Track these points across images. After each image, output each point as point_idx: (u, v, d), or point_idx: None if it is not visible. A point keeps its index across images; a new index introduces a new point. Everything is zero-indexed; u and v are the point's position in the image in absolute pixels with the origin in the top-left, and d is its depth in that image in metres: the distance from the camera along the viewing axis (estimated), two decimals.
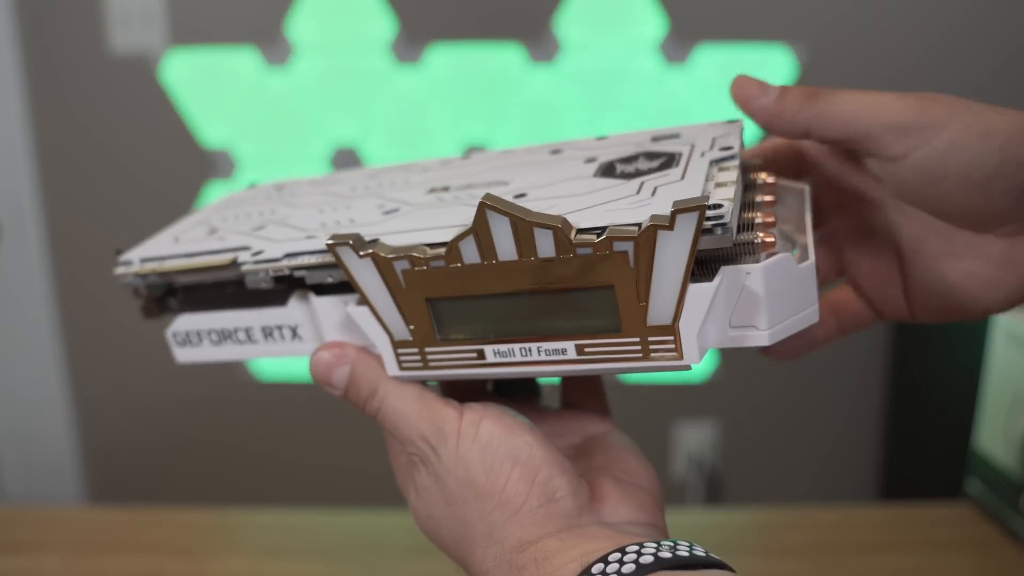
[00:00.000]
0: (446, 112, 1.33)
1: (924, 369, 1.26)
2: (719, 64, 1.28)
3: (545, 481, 0.28)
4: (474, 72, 1.31)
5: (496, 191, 0.31)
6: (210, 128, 1.35)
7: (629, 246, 0.25)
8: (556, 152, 0.37)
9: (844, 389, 1.42)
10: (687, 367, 0.27)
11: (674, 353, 0.27)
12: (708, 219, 0.25)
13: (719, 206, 0.25)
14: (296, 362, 1.42)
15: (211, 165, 1.36)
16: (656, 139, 0.35)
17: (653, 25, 1.28)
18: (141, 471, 1.51)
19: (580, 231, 0.26)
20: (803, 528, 0.72)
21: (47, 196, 1.39)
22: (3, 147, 1.36)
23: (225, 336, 0.35)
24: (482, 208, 0.26)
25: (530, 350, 0.29)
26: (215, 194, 1.37)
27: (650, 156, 0.32)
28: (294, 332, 0.34)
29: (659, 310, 0.26)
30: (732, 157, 0.30)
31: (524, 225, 0.26)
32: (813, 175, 0.36)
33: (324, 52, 1.32)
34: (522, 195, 0.31)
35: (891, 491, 1.40)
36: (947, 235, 0.30)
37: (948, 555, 0.67)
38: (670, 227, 0.24)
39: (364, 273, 0.29)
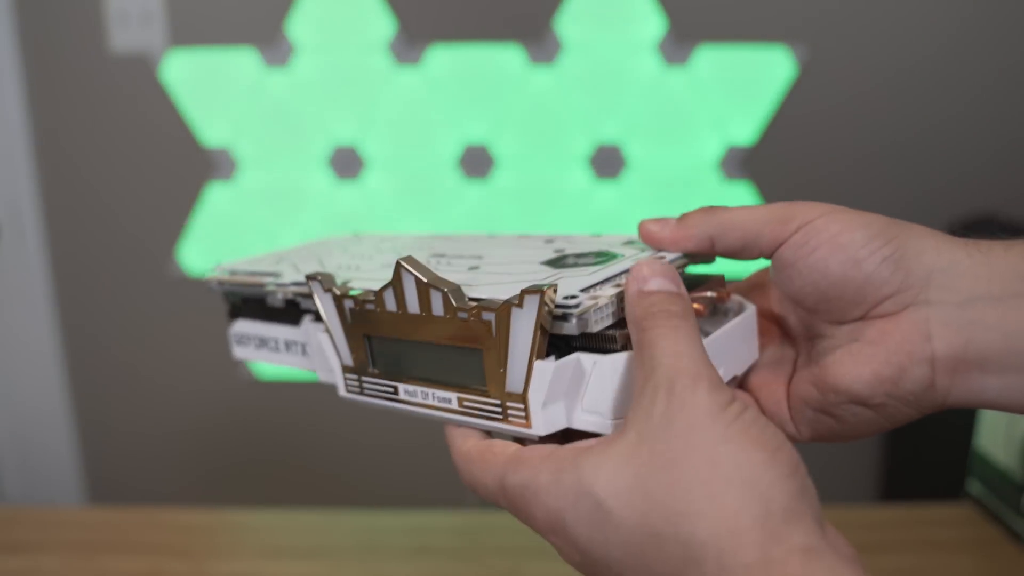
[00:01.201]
0: (446, 112, 1.33)
1: None
2: (719, 64, 1.28)
3: (804, 477, 0.26)
4: (474, 72, 1.31)
5: (467, 262, 0.37)
6: (210, 128, 1.35)
7: (492, 316, 0.29)
8: (549, 242, 0.41)
9: None
10: (535, 437, 0.30)
11: (524, 420, 0.30)
12: (561, 307, 0.29)
13: (573, 297, 0.29)
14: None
15: (211, 165, 1.36)
16: (626, 243, 0.38)
17: (653, 25, 1.28)
18: (141, 472, 1.51)
19: (471, 298, 0.30)
20: None
21: (47, 196, 1.39)
22: (3, 147, 1.36)
23: (263, 343, 0.41)
24: (398, 266, 0.31)
25: (427, 394, 0.33)
26: (215, 194, 1.37)
27: (600, 254, 0.36)
28: (303, 349, 0.39)
29: (514, 379, 0.30)
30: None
31: (423, 284, 0.31)
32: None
33: (324, 52, 1.32)
34: (475, 267, 0.36)
35: (891, 491, 1.40)
36: (831, 332, 0.33)
37: (949, 556, 0.67)
38: (519, 305, 0.28)
39: (327, 306, 0.34)
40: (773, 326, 0.38)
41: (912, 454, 1.32)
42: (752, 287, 0.39)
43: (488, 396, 0.31)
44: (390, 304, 0.32)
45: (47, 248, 1.41)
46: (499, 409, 0.31)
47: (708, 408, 0.25)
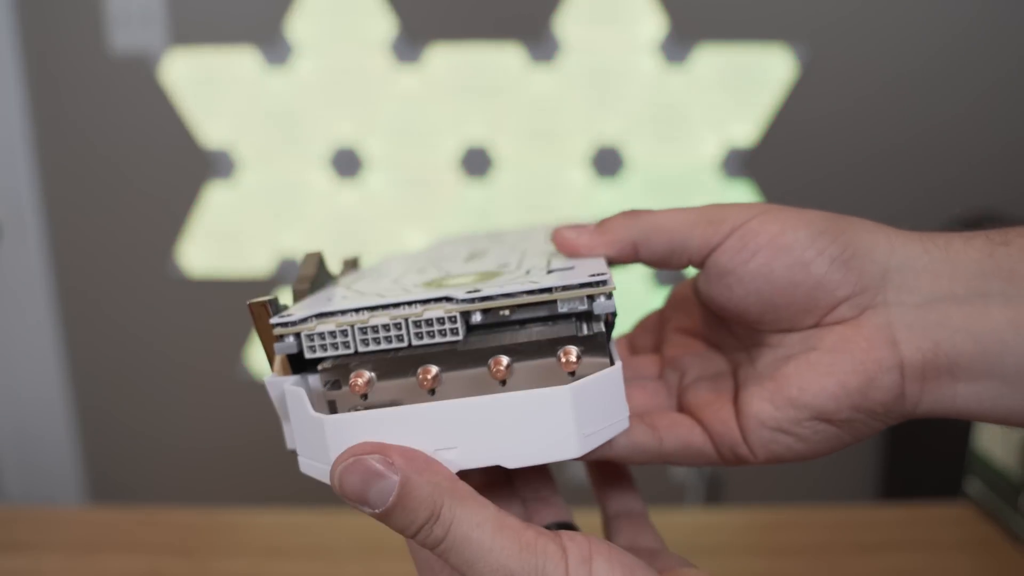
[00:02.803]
0: (446, 112, 1.33)
1: None
2: (719, 64, 1.28)
3: None
4: (474, 72, 1.31)
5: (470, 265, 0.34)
6: (210, 128, 1.35)
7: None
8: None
9: None
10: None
11: None
12: (276, 324, 0.27)
13: (287, 315, 0.27)
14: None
15: (211, 165, 1.36)
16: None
17: (653, 25, 1.28)
18: (141, 471, 1.51)
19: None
20: (803, 528, 0.72)
21: (47, 196, 1.39)
22: (3, 147, 1.36)
23: None
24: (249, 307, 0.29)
25: None
26: (215, 194, 1.37)
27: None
28: None
29: None
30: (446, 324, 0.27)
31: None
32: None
33: (324, 52, 1.32)
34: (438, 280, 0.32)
35: (891, 491, 1.40)
36: (779, 341, 0.30)
37: (948, 555, 0.67)
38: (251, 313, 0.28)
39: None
40: (697, 340, 0.35)
41: (911, 454, 1.32)
42: (676, 305, 0.36)
43: None
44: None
45: (48, 248, 1.41)
46: None
47: None
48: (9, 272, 1.41)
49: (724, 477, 1.45)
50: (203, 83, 1.33)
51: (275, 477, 1.49)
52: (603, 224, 0.31)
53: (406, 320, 0.26)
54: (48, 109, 1.35)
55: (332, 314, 0.27)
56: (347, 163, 1.35)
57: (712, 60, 1.28)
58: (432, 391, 0.26)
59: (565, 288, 0.26)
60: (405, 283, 0.32)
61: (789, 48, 1.27)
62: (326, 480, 0.26)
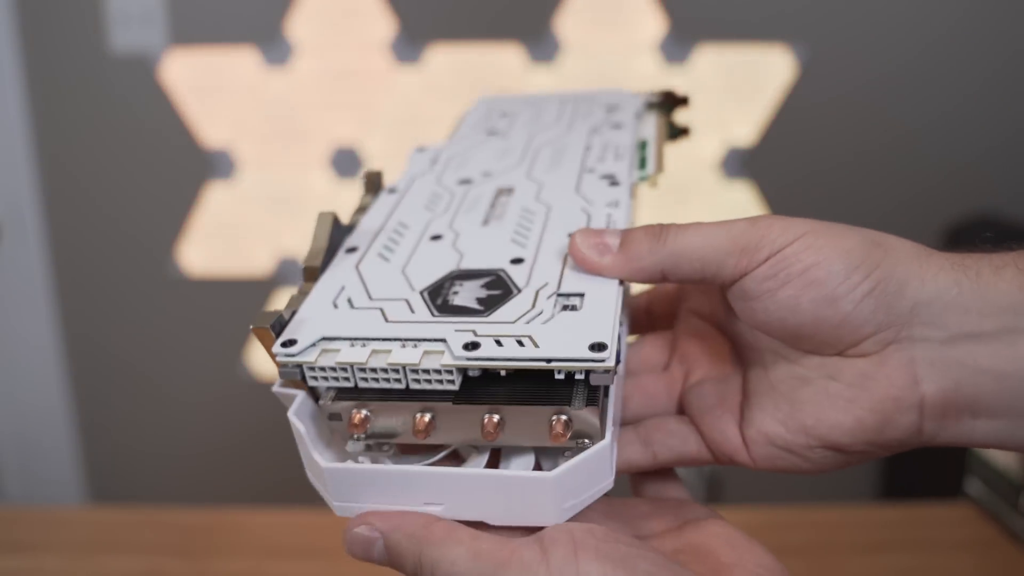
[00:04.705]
0: (446, 112, 1.33)
1: None
2: (719, 64, 1.28)
3: None
4: (474, 72, 1.31)
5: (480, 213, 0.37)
6: (210, 128, 1.35)
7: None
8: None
9: None
10: None
11: None
12: (287, 356, 0.29)
13: (290, 344, 0.29)
14: None
15: (211, 165, 1.36)
16: (578, 295, 0.31)
17: (653, 25, 1.28)
18: (141, 471, 1.51)
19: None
20: (803, 528, 0.72)
21: (47, 196, 1.39)
22: (3, 147, 1.36)
23: None
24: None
25: None
26: (215, 194, 1.37)
27: (492, 286, 0.31)
28: None
29: None
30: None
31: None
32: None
33: (324, 52, 1.32)
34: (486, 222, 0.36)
35: (891, 491, 1.40)
36: (798, 359, 0.29)
37: (948, 555, 0.67)
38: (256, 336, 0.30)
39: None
40: (711, 329, 0.34)
41: (911, 454, 1.31)
42: (662, 298, 0.36)
43: None
44: None
45: (47, 248, 1.41)
46: None
47: None
48: (9, 272, 1.41)
49: (724, 477, 1.45)
50: (203, 83, 1.33)
51: (275, 477, 1.49)
52: (627, 246, 0.30)
53: (404, 368, 0.27)
54: (48, 109, 1.35)
55: (334, 339, 0.29)
56: (347, 163, 1.35)
57: (712, 60, 1.28)
58: (426, 435, 0.27)
59: (563, 360, 0.26)
60: (420, 255, 0.34)
61: (789, 48, 1.27)
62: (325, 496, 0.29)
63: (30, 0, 1.30)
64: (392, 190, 0.40)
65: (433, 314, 0.29)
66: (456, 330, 0.28)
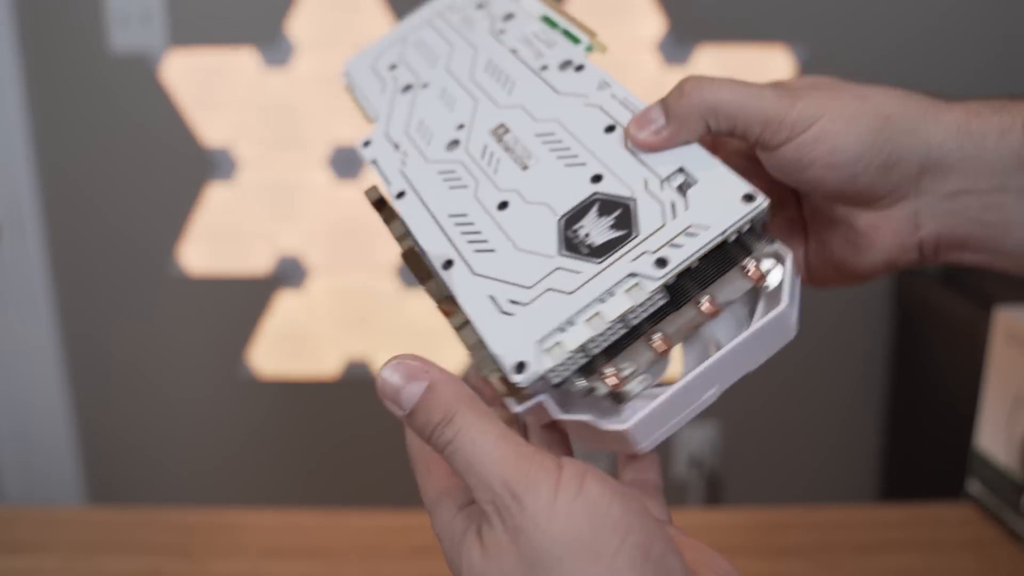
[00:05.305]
0: None
1: (924, 369, 1.26)
2: (719, 64, 1.28)
3: (659, 559, 0.25)
4: None
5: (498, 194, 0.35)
6: (210, 128, 1.35)
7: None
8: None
9: (844, 389, 1.41)
10: None
11: None
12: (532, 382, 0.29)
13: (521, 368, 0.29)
14: (295, 361, 1.42)
15: (211, 165, 1.36)
16: (679, 171, 0.34)
17: (653, 25, 1.28)
18: (141, 471, 1.51)
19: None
20: (803, 528, 0.72)
21: (47, 196, 1.39)
22: (3, 147, 1.36)
23: None
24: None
25: None
26: (215, 194, 1.37)
27: (622, 219, 0.32)
28: None
29: None
30: (651, 278, 0.29)
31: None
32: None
33: (324, 52, 1.32)
34: (504, 204, 0.34)
35: (891, 491, 1.40)
36: (825, 201, 0.34)
37: (948, 555, 0.67)
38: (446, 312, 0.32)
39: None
40: (753, 165, 0.37)
41: (912, 454, 1.32)
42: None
43: None
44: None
45: (47, 248, 1.41)
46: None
47: (537, 524, 0.25)
48: (9, 272, 1.41)
49: (724, 477, 1.45)
50: (203, 83, 1.33)
51: (275, 477, 1.49)
52: (672, 117, 0.32)
53: (623, 315, 0.29)
54: (48, 109, 1.35)
55: (547, 337, 0.29)
56: (347, 163, 1.35)
57: (712, 60, 1.28)
58: (667, 349, 0.30)
59: (735, 223, 0.29)
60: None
61: (788, 48, 1.27)
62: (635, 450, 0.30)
63: (30, 0, 1.30)
64: (402, 194, 0.37)
65: (598, 262, 0.30)
66: (632, 260, 0.30)
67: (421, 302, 1.36)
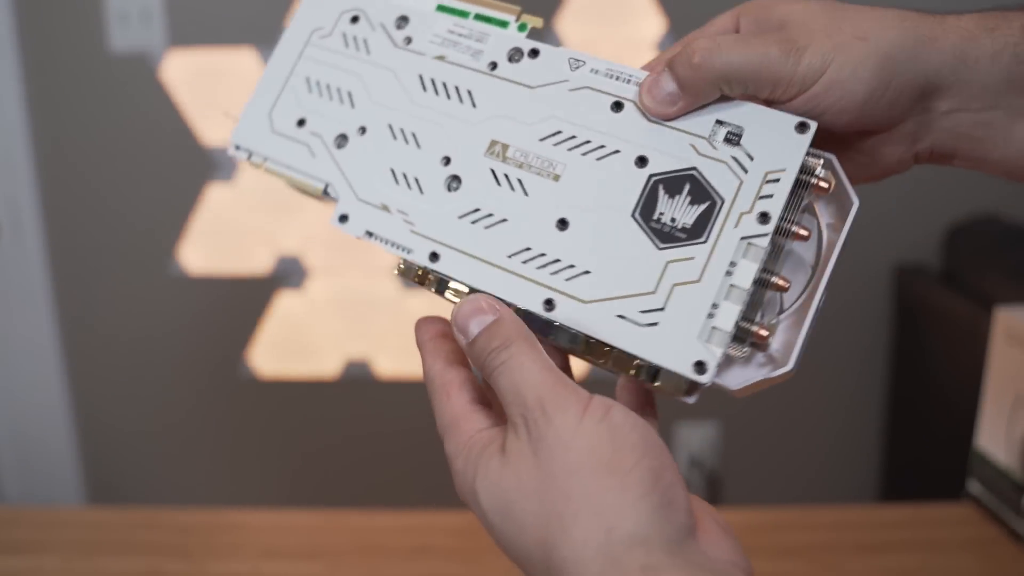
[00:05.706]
0: None
1: (924, 369, 1.26)
2: None
3: (667, 487, 0.27)
4: None
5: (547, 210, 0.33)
6: (210, 128, 1.35)
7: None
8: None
9: (844, 390, 1.41)
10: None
11: None
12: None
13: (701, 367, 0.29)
14: (295, 361, 1.42)
15: (211, 165, 1.36)
16: (719, 124, 0.32)
17: (653, 25, 1.28)
18: (140, 471, 1.51)
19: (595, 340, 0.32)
20: (803, 528, 0.72)
21: (47, 196, 1.39)
22: (3, 147, 1.36)
23: None
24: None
25: None
26: (215, 194, 1.37)
27: (696, 191, 0.31)
28: None
29: None
30: (763, 235, 0.30)
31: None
32: None
33: None
34: (562, 223, 0.32)
35: (891, 491, 1.40)
36: (832, 138, 0.36)
37: (949, 556, 0.67)
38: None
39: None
40: None
41: (912, 454, 1.32)
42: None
43: None
44: None
45: (47, 248, 1.41)
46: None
47: (560, 437, 0.27)
48: (9, 272, 1.41)
49: (724, 477, 1.45)
50: (203, 83, 1.33)
51: (275, 477, 1.49)
52: (683, 84, 0.33)
53: (755, 279, 0.30)
54: (48, 109, 1.35)
55: (713, 331, 0.30)
56: None
57: None
58: (789, 285, 0.31)
59: (804, 159, 0.31)
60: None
61: None
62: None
63: (30, 0, 1.30)
64: (435, 255, 0.33)
65: (703, 241, 0.30)
66: (735, 227, 0.30)
67: (421, 302, 1.36)
